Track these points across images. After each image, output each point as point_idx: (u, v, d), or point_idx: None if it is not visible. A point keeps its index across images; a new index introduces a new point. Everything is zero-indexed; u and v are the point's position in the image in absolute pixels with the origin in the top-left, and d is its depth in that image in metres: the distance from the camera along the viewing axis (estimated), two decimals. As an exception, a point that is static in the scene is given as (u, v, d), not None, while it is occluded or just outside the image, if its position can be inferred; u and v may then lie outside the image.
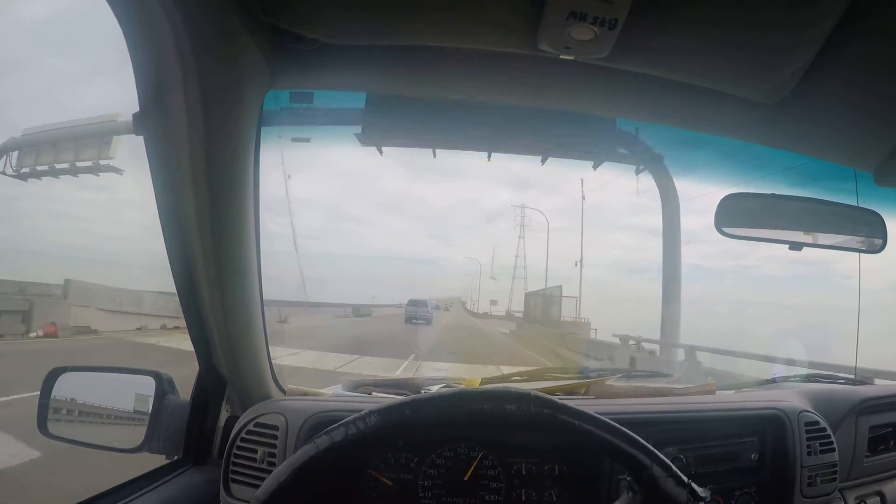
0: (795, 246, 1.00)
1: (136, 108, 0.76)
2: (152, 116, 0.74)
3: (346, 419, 0.60)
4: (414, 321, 15.42)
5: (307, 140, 0.88)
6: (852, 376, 1.40)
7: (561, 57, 0.74)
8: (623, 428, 0.62)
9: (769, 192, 1.00)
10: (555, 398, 0.63)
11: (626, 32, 0.68)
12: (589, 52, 0.73)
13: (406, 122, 0.88)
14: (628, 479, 0.65)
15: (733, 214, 0.95)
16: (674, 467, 0.62)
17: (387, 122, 0.88)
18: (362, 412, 0.60)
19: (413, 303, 16.38)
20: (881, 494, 1.20)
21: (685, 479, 0.61)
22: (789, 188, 1.12)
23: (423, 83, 0.87)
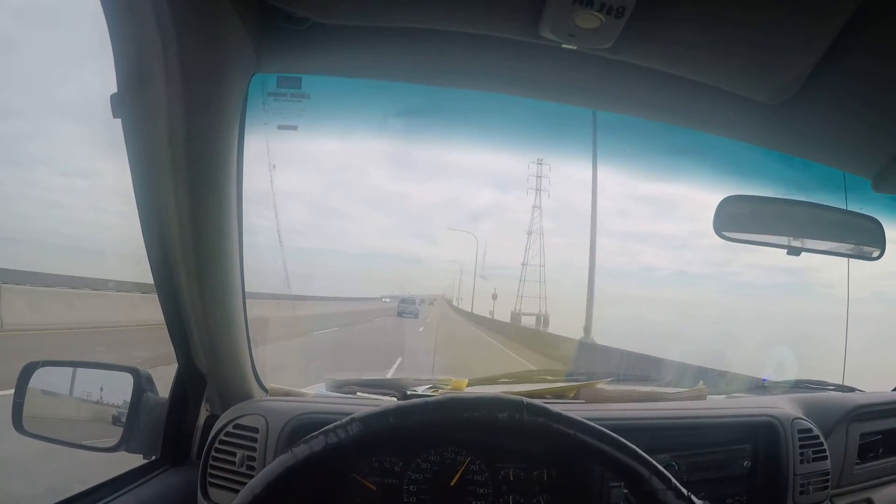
0: (794, 251, 0.98)
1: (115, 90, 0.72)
2: (131, 98, 0.70)
3: (327, 427, 0.57)
4: (404, 315, 18.48)
5: (295, 128, 0.84)
6: (840, 383, 1.40)
7: (563, 46, 0.71)
8: (621, 438, 0.60)
9: (766, 195, 0.99)
10: (548, 404, 0.60)
11: (632, 22, 0.65)
12: (593, 42, 0.70)
13: (390, 104, 0.85)
14: (625, 490, 0.63)
15: (732, 217, 0.93)
16: (673, 480, 0.59)
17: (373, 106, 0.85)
18: (343, 420, 0.57)
19: (404, 300, 20.34)
20: (870, 502, 1.20)
21: (685, 491, 0.59)
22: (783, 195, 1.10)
23: (417, 70, 0.83)
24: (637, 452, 0.59)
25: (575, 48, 0.73)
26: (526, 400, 0.59)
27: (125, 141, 0.75)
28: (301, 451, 0.56)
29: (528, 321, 20.07)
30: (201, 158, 0.75)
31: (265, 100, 0.83)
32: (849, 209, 1.07)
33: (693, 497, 0.59)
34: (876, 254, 1.06)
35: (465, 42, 0.76)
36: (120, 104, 0.70)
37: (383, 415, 0.58)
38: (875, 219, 1.05)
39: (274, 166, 0.86)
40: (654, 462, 0.59)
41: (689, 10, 0.67)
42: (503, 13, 0.70)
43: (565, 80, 0.84)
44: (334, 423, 0.57)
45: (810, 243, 1.01)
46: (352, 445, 0.57)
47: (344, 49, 0.79)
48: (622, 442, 0.59)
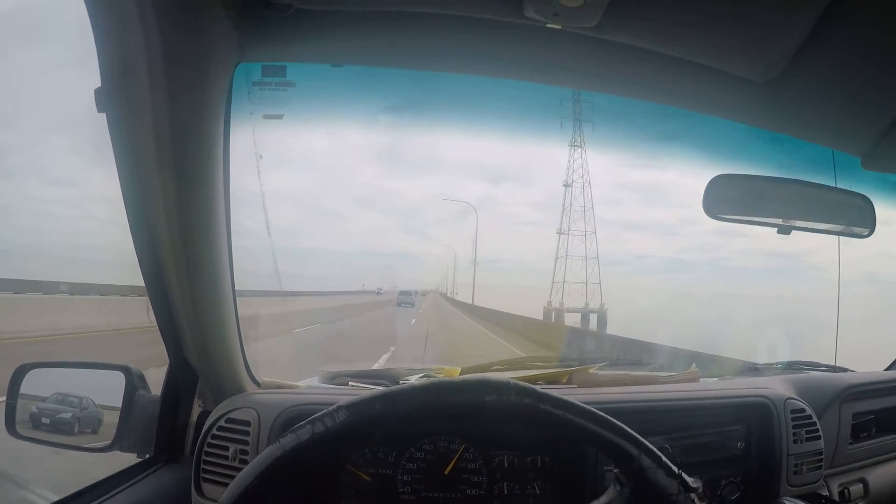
0: (784, 229, 0.98)
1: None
2: (115, 92, 0.69)
3: (314, 416, 0.57)
4: (402, 305, 20.71)
5: (280, 117, 0.83)
6: (832, 364, 1.40)
7: (547, 25, 0.71)
8: (609, 417, 0.59)
9: (757, 174, 0.99)
10: (536, 387, 0.60)
11: (616, 0, 0.65)
12: (577, 21, 0.70)
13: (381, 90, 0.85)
14: (615, 471, 0.63)
15: (722, 197, 0.93)
16: (663, 457, 0.59)
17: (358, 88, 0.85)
18: (330, 408, 0.57)
19: (403, 292, 23.38)
20: (864, 481, 1.20)
21: (675, 469, 0.59)
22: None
23: (402, 54, 0.83)
24: (626, 431, 0.59)
25: (560, 27, 0.73)
26: (512, 381, 0.59)
27: (110, 136, 0.74)
28: (288, 441, 0.56)
29: (573, 320, 13.49)
30: (187, 149, 0.74)
31: (250, 89, 0.82)
32: (839, 187, 1.07)
33: (684, 474, 0.59)
34: (866, 232, 1.06)
35: (450, 24, 0.75)
36: (104, 98, 0.70)
37: (370, 401, 0.57)
38: (865, 196, 1.05)
39: (261, 156, 0.85)
40: (644, 440, 0.59)
41: None
42: None
43: (552, 60, 0.84)
44: (321, 412, 0.57)
45: (801, 222, 1.02)
46: (339, 433, 0.56)
47: (327, 35, 0.78)
48: (610, 421, 0.59)
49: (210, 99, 0.76)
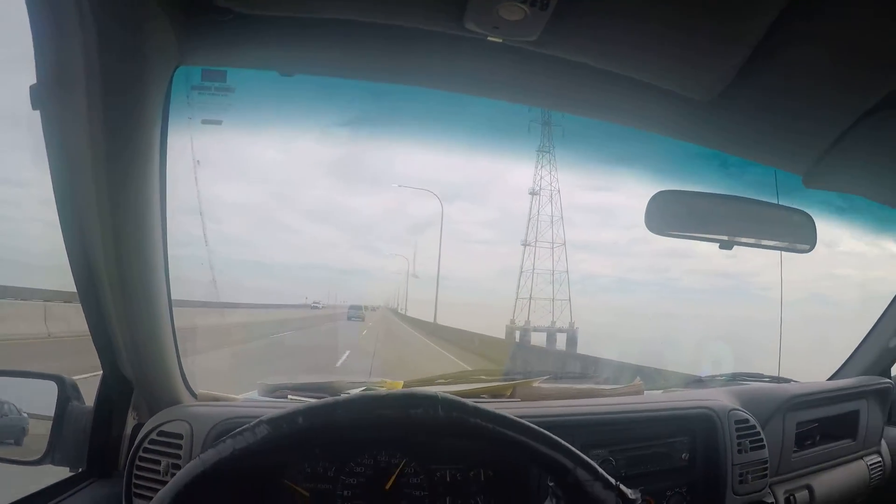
0: (726, 244, 1.00)
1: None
2: (50, 90, 0.67)
3: (235, 431, 0.55)
4: (352, 319, 23.48)
5: (219, 122, 0.82)
6: (776, 375, 1.44)
7: (489, 38, 0.72)
8: (542, 430, 0.58)
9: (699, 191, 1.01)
10: (471, 400, 0.59)
11: (557, 15, 0.66)
12: (518, 34, 0.70)
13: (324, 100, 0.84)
14: (551, 483, 0.62)
15: (664, 212, 0.95)
16: (600, 469, 0.59)
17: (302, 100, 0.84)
18: (251, 423, 0.56)
19: (353, 307, 26.21)
20: (809, 488, 1.24)
21: (613, 481, 0.58)
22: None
23: (341, 64, 0.82)
24: (560, 443, 0.58)
25: (501, 41, 0.73)
26: (440, 394, 0.58)
27: (44, 134, 0.72)
28: (209, 456, 0.54)
29: (538, 340, 12.24)
30: (122, 151, 0.72)
31: (189, 93, 0.80)
32: (781, 204, 1.11)
33: (622, 486, 0.58)
34: (807, 247, 1.10)
35: (391, 35, 0.75)
36: (39, 96, 0.67)
37: (291, 416, 0.56)
38: (806, 213, 1.09)
39: (198, 162, 0.84)
40: (579, 453, 0.59)
41: (614, 5, 0.67)
42: (428, 3, 0.69)
43: (493, 73, 0.84)
44: (243, 427, 0.56)
45: (744, 238, 1.04)
46: (261, 448, 0.55)
47: (266, 42, 0.77)
48: (543, 433, 0.58)
49: (147, 100, 0.74)
